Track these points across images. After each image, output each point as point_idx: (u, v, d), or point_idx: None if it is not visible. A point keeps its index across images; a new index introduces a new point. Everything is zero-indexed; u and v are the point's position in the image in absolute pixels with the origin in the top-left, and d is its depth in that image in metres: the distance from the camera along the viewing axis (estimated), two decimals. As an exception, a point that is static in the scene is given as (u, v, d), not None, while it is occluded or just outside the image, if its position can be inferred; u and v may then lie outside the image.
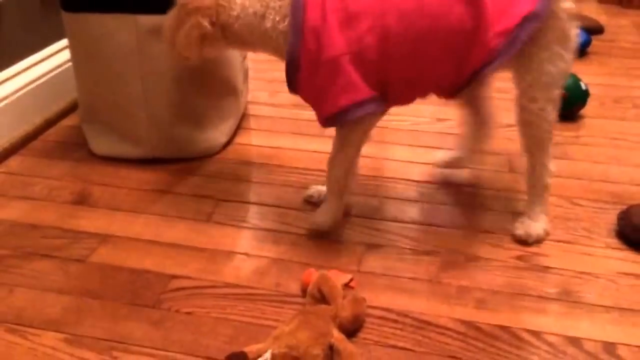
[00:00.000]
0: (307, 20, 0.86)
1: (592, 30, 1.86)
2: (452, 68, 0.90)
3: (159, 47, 1.09)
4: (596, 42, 1.79)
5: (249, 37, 0.93)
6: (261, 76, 1.60)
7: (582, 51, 1.71)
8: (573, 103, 1.35)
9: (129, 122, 1.19)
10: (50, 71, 1.37)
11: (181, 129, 1.20)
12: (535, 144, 0.96)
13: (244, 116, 1.39)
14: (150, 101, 1.16)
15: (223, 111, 1.26)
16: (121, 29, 1.11)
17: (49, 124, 1.37)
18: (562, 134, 1.31)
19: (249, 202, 1.10)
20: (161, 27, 1.00)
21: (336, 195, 1.00)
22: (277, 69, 1.65)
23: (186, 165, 1.21)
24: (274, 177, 1.17)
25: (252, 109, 1.44)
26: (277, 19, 0.90)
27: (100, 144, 1.24)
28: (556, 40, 0.90)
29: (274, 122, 1.38)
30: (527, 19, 0.86)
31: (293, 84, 0.92)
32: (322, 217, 1.00)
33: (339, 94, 0.88)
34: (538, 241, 0.98)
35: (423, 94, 0.97)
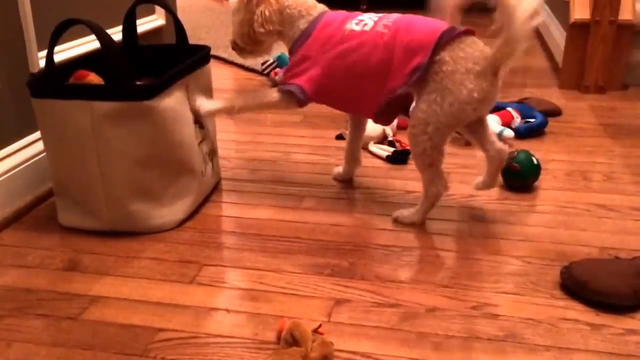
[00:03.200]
0: (310, 36, 1.40)
1: (551, 112, 2.12)
2: (374, 93, 1.34)
3: (114, 130, 1.29)
4: (554, 123, 2.04)
5: (287, 28, 1.43)
6: (242, 155, 1.81)
7: (539, 131, 1.95)
8: (526, 176, 1.56)
9: (89, 197, 1.36)
10: (40, 153, 1.55)
11: (137, 206, 1.36)
12: (414, 160, 1.38)
13: (221, 191, 1.58)
14: (107, 179, 1.33)
15: (180, 190, 1.41)
16: (79, 114, 1.29)
17: (40, 200, 1.54)
18: (518, 203, 1.51)
19: (229, 266, 1.26)
20: (116, 112, 1.26)
21: (219, 108, 1.46)
22: (257, 149, 1.86)
23: (171, 234, 1.37)
24: (253, 244, 1.34)
25: (234, 186, 1.63)
26: (302, 27, 1.41)
27: (66, 217, 1.41)
28: (435, 90, 1.28)
29: (253, 196, 1.57)
30: (415, 68, 1.28)
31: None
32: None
33: (293, 75, 1.40)
34: (402, 222, 1.41)
35: (360, 110, 1.47)
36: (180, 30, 1.55)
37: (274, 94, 1.43)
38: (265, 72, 2.55)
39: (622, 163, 1.75)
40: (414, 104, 1.36)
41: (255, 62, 2.67)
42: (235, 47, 1.50)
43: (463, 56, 1.26)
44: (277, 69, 2.47)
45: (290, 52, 1.44)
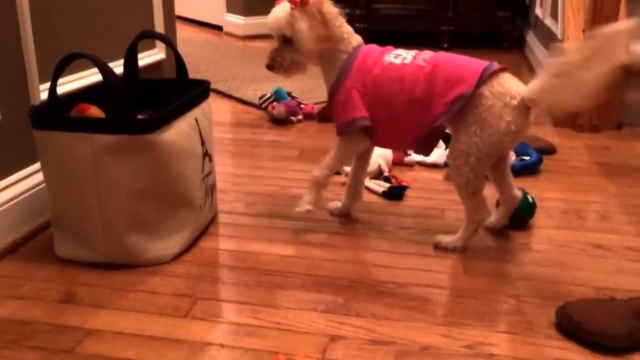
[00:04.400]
0: (351, 68, 1.47)
1: (545, 150, 2.15)
2: (415, 122, 1.42)
3: (114, 163, 1.31)
4: (549, 162, 2.07)
5: (334, 49, 1.48)
6: (239, 189, 1.82)
7: (534, 169, 1.98)
8: (520, 214, 1.58)
9: (86, 229, 1.37)
10: (38, 184, 1.55)
11: (134, 238, 1.37)
12: (457, 191, 1.45)
13: (218, 225, 1.59)
14: (105, 211, 1.35)
15: (177, 223, 1.43)
16: (79, 146, 1.31)
17: (37, 231, 1.54)
18: (514, 241, 1.53)
19: (224, 300, 1.26)
20: (116, 145, 1.28)
21: (317, 186, 1.53)
22: (254, 183, 1.88)
23: (167, 267, 1.38)
24: (248, 278, 1.35)
25: (230, 219, 1.64)
26: (344, 57, 1.48)
27: (63, 248, 1.42)
28: (474, 122, 1.36)
29: (249, 229, 1.58)
30: (458, 98, 1.36)
31: (331, 107, 1.52)
32: (306, 203, 1.53)
33: (350, 110, 1.45)
34: (444, 249, 1.46)
35: (399, 142, 1.55)
36: (181, 65, 1.58)
37: (341, 144, 1.50)
38: (263, 106, 2.58)
39: (617, 202, 1.77)
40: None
41: (253, 96, 2.71)
42: (272, 66, 1.50)
43: (502, 91, 1.35)
44: (274, 103, 2.51)
45: (332, 79, 1.49)
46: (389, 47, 1.50)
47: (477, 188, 1.42)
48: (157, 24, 2.12)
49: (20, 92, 1.51)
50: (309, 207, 1.53)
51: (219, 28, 4.62)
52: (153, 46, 2.14)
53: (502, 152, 1.43)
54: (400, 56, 1.45)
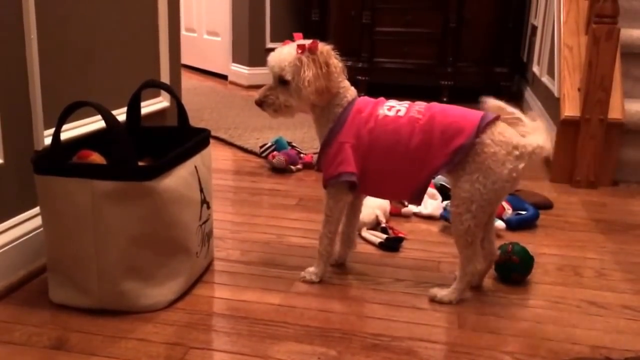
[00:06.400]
0: (345, 122, 1.47)
1: (542, 205, 2.15)
2: (411, 173, 1.44)
3: (113, 209, 1.31)
4: (546, 217, 2.07)
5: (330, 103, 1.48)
6: (236, 236, 1.82)
7: (531, 224, 1.98)
8: (526, 268, 1.58)
9: (82, 274, 1.36)
10: (35, 229, 1.55)
11: (129, 284, 1.36)
12: (455, 239, 1.46)
13: (213, 272, 1.58)
14: (102, 257, 1.34)
15: (173, 270, 1.42)
16: (79, 192, 1.32)
17: (32, 275, 1.53)
18: (509, 296, 1.51)
19: (216, 350, 1.25)
20: (116, 191, 1.29)
21: (324, 260, 1.55)
22: (251, 231, 1.88)
23: (160, 314, 1.37)
24: (241, 327, 1.33)
25: (226, 266, 1.63)
26: (338, 110, 1.48)
27: (57, 293, 1.41)
28: (477, 169, 1.38)
29: (244, 278, 1.57)
30: (459, 148, 1.38)
31: (321, 159, 1.51)
32: (313, 274, 1.55)
33: (338, 164, 1.45)
34: (440, 302, 1.45)
35: (392, 192, 1.56)
36: (182, 113, 1.60)
37: (328, 203, 1.51)
38: (264, 154, 2.60)
39: (613, 259, 1.76)
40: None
41: (255, 145, 2.74)
42: (263, 104, 1.49)
43: (504, 140, 1.38)
44: (275, 152, 2.53)
45: (325, 131, 1.49)
46: (382, 99, 1.50)
47: (475, 237, 1.42)
48: (163, 72, 2.16)
49: (25, 137, 1.53)
50: (314, 278, 1.55)
51: (224, 77, 4.69)
52: (158, 94, 2.18)
53: (500, 201, 1.46)
54: (393, 108, 1.46)
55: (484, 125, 1.38)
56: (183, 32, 4.83)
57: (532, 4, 3.93)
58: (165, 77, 2.18)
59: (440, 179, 2.10)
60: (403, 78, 3.98)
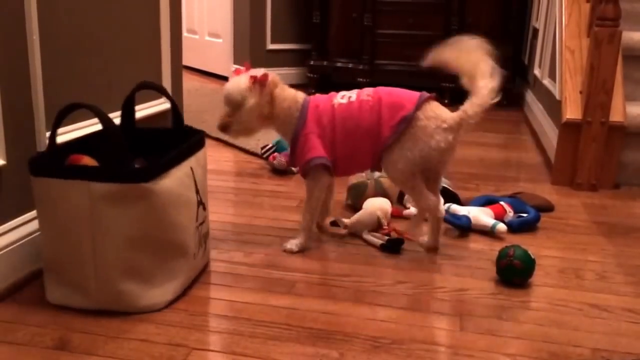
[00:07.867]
0: (306, 119, 1.68)
1: (543, 208, 2.15)
2: (370, 147, 1.66)
3: (110, 210, 1.31)
4: (547, 219, 2.07)
5: (283, 117, 1.69)
6: (237, 238, 1.82)
7: (532, 226, 1.98)
8: (528, 272, 1.58)
9: (79, 275, 1.37)
10: (37, 230, 1.54)
11: (128, 286, 1.36)
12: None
13: (210, 273, 1.59)
14: (99, 258, 1.34)
15: (171, 271, 1.42)
16: (76, 194, 1.32)
17: (34, 276, 1.54)
18: (510, 299, 1.52)
19: (218, 351, 1.25)
20: (113, 193, 1.30)
21: (306, 232, 1.75)
22: (252, 232, 1.88)
23: (161, 315, 1.37)
24: (243, 329, 1.33)
25: (227, 267, 1.64)
26: (296, 115, 1.68)
27: (54, 294, 1.41)
28: (409, 139, 1.62)
29: (245, 279, 1.57)
30: (402, 120, 1.62)
31: (293, 154, 1.72)
32: (294, 244, 1.73)
33: (307, 152, 1.66)
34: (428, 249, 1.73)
35: (359, 167, 1.79)
36: (177, 115, 1.61)
37: (308, 184, 1.72)
38: (265, 155, 2.61)
39: (614, 262, 1.76)
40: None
41: (256, 146, 2.74)
42: (226, 128, 1.68)
43: (433, 115, 1.63)
44: (276, 154, 2.54)
45: (290, 133, 1.69)
46: (333, 93, 1.72)
47: (413, 185, 1.67)
48: (164, 74, 2.17)
49: (27, 138, 1.53)
50: (294, 248, 1.73)
51: (225, 79, 4.69)
52: (160, 96, 2.18)
53: (433, 165, 1.66)
54: (345, 96, 1.69)
55: (421, 102, 1.62)
56: (185, 33, 4.84)
57: (534, 7, 3.94)
58: (166, 79, 2.18)
59: (442, 182, 2.10)
60: (404, 80, 3.96)
